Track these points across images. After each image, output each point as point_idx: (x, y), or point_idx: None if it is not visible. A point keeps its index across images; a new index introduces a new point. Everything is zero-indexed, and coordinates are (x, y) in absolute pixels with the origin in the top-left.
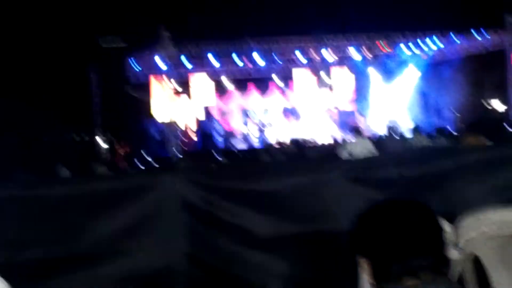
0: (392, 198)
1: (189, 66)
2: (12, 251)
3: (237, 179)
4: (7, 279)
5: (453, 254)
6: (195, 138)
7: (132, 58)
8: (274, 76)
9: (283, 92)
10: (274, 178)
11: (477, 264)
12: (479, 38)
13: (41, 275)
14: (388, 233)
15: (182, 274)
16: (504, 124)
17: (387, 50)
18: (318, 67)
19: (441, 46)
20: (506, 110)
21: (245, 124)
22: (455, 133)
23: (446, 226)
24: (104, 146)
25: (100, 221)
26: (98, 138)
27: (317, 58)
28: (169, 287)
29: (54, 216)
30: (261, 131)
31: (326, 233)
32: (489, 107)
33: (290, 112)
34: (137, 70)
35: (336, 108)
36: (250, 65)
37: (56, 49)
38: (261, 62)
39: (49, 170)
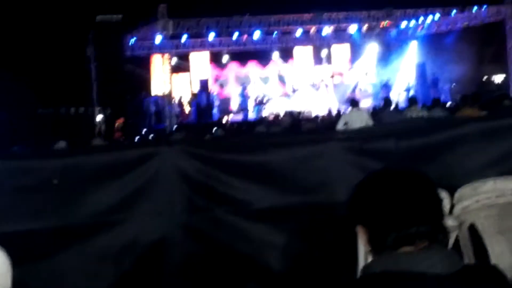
0: (390, 167)
1: (186, 40)
2: (9, 222)
3: (233, 151)
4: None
5: (450, 222)
6: (191, 111)
7: (129, 32)
8: (273, 52)
9: (281, 66)
10: (270, 149)
11: (473, 232)
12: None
13: (39, 247)
14: (385, 201)
15: (178, 245)
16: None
17: (387, 25)
18: (317, 43)
19: (440, 19)
20: (504, 81)
21: (242, 97)
22: (451, 105)
23: (443, 194)
24: (100, 118)
25: (96, 193)
26: (94, 111)
27: (317, 34)
28: (165, 257)
29: (50, 187)
30: (258, 104)
31: (323, 203)
32: (487, 79)
33: (287, 86)
34: (134, 44)
35: (334, 81)
36: (249, 40)
37: (53, 23)
38: (260, 38)
39: (45, 143)
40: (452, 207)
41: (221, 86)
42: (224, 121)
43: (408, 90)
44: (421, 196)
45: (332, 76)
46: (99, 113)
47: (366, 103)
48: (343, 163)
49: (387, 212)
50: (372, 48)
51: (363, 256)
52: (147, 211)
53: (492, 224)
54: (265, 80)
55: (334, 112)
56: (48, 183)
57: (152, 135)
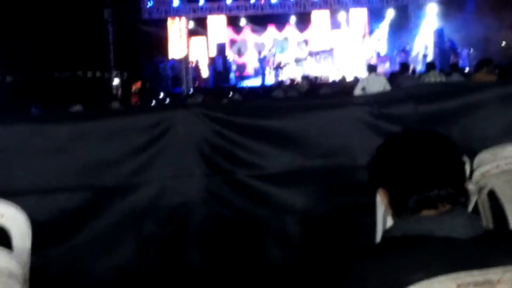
0: (411, 129)
1: (203, 3)
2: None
3: (252, 115)
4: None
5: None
6: (208, 75)
7: None
8: (291, 16)
9: (299, 30)
10: (289, 114)
11: (492, 196)
12: None
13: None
14: (407, 163)
15: (198, 207)
16: None
17: None
18: (335, 7)
19: None
20: None
21: (260, 61)
22: (470, 70)
23: (464, 159)
24: (117, 82)
25: (116, 156)
26: (111, 75)
27: None
28: (186, 219)
29: (69, 151)
30: (276, 68)
31: (343, 167)
32: (506, 44)
33: (304, 50)
34: (152, 7)
35: (351, 45)
36: (266, 4)
37: None
38: (277, 1)
39: (62, 106)
40: (471, 172)
41: (239, 50)
42: (241, 85)
43: (426, 55)
44: (443, 158)
45: (350, 41)
46: (116, 76)
47: (384, 68)
48: (362, 128)
49: (408, 174)
50: (390, 13)
51: (381, 220)
52: (167, 174)
53: (511, 189)
54: (282, 44)
55: (351, 77)
56: (67, 147)
57: (169, 99)
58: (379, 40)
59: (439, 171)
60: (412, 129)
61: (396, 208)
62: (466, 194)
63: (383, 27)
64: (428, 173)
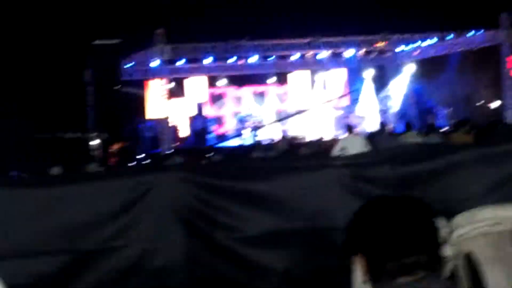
0: (388, 194)
1: (182, 65)
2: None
3: (230, 178)
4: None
5: (446, 250)
6: (188, 135)
7: (126, 56)
8: (270, 76)
9: (277, 90)
10: (268, 176)
11: (470, 260)
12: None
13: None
14: (383, 230)
15: (180, 270)
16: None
17: (383, 48)
18: (314, 67)
19: (437, 43)
20: (499, 106)
21: (239, 121)
22: (447, 130)
23: (441, 222)
24: (96, 143)
25: (97, 218)
26: (90, 136)
27: (313, 58)
28: (168, 283)
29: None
30: (254, 128)
31: (321, 229)
32: (483, 104)
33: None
34: (131, 68)
35: (330, 106)
36: (246, 65)
37: (50, 47)
38: (256, 62)
39: (42, 168)
40: (449, 234)
41: (218, 110)
42: (220, 145)
43: (404, 114)
44: (419, 224)
45: (329, 101)
46: (96, 138)
47: (363, 128)
48: (340, 190)
49: (386, 241)
50: (369, 73)
51: (358, 286)
52: (147, 237)
53: (488, 253)
54: (261, 103)
55: (330, 137)
56: (46, 210)
57: (148, 160)
58: (358, 100)
59: (416, 238)
60: (387, 195)
61: (373, 274)
62: (441, 261)
63: (362, 87)
64: (405, 240)
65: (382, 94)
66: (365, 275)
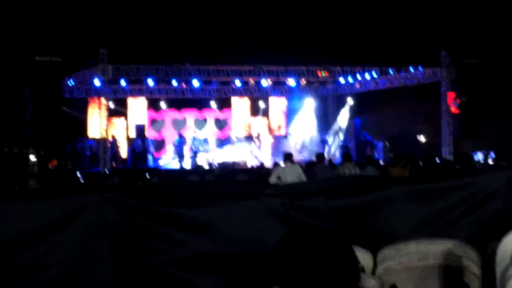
0: (308, 227)
1: (124, 85)
2: None
3: (166, 203)
4: None
5: (371, 283)
6: (126, 156)
7: (67, 75)
8: (211, 101)
9: (218, 115)
10: (203, 201)
11: None
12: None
13: None
14: (301, 264)
15: None
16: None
17: (325, 79)
18: (255, 94)
19: (378, 77)
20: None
21: (179, 144)
22: (384, 163)
23: (366, 254)
24: (33, 159)
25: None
26: (28, 152)
27: (255, 86)
28: None
29: None
30: (194, 152)
31: (251, 256)
32: (421, 139)
33: (223, 135)
34: (73, 86)
35: (269, 133)
36: (187, 89)
37: None
38: (198, 86)
39: None
40: (374, 267)
41: (158, 132)
42: (158, 168)
43: (342, 145)
44: (337, 259)
45: (268, 128)
46: (32, 154)
47: (300, 157)
48: (273, 218)
49: (303, 275)
50: (309, 103)
51: None
52: (77, 258)
53: (412, 287)
54: (201, 124)
55: (268, 164)
56: None
57: (85, 179)
58: (302, 128)
59: (333, 272)
60: (309, 228)
61: None
62: None
63: (302, 116)
64: (322, 275)
65: (322, 124)
66: None
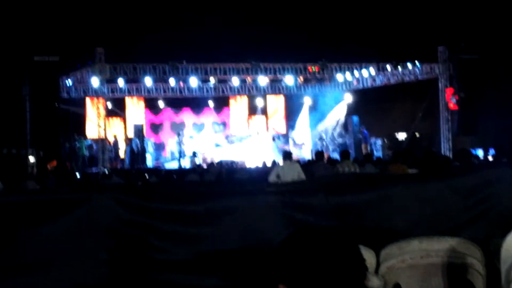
0: (314, 225)
1: (123, 85)
2: None
3: (166, 201)
4: None
5: (375, 282)
6: (124, 156)
7: (65, 74)
8: (209, 99)
9: (216, 114)
10: (203, 200)
11: None
12: (412, 68)
13: None
14: (308, 262)
15: None
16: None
17: (322, 76)
18: (253, 93)
19: (375, 74)
20: (435, 138)
21: (177, 144)
22: (383, 160)
23: (369, 253)
24: (33, 160)
25: (26, 237)
26: (26, 152)
27: (253, 84)
28: None
29: None
30: (193, 152)
31: (252, 254)
32: (418, 135)
33: (221, 134)
34: (70, 86)
35: (268, 131)
36: (185, 87)
37: None
38: (196, 85)
39: None
40: (378, 265)
41: (156, 131)
42: (157, 167)
43: (341, 143)
44: (343, 256)
45: (267, 127)
46: (31, 154)
47: (299, 155)
48: (273, 216)
49: (309, 273)
50: (307, 100)
51: None
52: (77, 257)
53: (415, 285)
54: (200, 127)
55: (267, 163)
56: None
57: (84, 179)
58: (296, 127)
59: (340, 270)
60: (313, 225)
61: None
62: None
63: (301, 114)
64: (328, 272)
65: (320, 122)
66: None
